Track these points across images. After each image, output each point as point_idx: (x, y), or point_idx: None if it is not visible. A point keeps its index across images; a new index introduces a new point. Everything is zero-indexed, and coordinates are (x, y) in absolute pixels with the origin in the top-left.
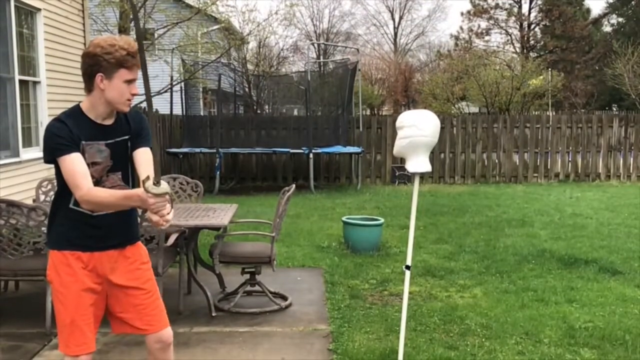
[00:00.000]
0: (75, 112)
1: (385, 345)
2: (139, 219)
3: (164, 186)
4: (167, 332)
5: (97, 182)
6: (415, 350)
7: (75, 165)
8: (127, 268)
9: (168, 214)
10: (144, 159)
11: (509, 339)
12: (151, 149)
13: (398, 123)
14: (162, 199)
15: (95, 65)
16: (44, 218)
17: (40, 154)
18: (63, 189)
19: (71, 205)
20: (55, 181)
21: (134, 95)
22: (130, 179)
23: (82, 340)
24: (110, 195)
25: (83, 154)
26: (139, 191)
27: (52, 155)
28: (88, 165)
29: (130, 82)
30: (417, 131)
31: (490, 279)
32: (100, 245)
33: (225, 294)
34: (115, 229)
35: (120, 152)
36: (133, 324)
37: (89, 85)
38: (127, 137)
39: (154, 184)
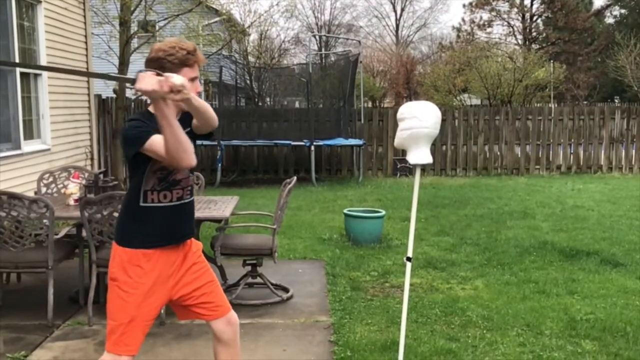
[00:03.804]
0: (145, 113)
1: (386, 336)
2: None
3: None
4: (234, 314)
5: (169, 174)
6: (417, 341)
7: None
8: (189, 262)
9: (167, 80)
10: None
11: (510, 330)
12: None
13: (399, 115)
14: (150, 79)
15: (160, 68)
16: (45, 210)
17: (42, 146)
18: (134, 186)
19: (141, 204)
20: (56, 174)
21: (197, 92)
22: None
23: (133, 341)
24: (169, 129)
25: None
26: (159, 102)
27: (137, 143)
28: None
29: (193, 79)
30: (418, 122)
31: (492, 271)
32: (168, 240)
33: (227, 286)
34: (180, 221)
35: None
36: (201, 312)
37: None
38: (189, 129)
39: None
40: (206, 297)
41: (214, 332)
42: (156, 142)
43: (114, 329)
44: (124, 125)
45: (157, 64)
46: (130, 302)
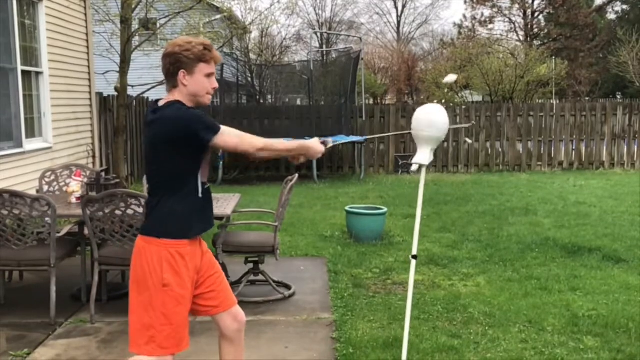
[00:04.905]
0: (184, 104)
1: (388, 333)
2: None
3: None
4: (241, 311)
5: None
6: (419, 338)
7: (235, 130)
8: (203, 251)
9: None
10: None
11: (512, 327)
12: None
13: (414, 118)
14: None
15: (176, 63)
16: (47, 208)
17: (43, 145)
18: (188, 178)
19: (199, 195)
20: (58, 172)
21: (214, 88)
22: None
23: (187, 334)
24: (283, 147)
25: None
26: (310, 143)
27: (214, 130)
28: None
29: (209, 75)
30: (433, 129)
31: (494, 267)
32: (204, 227)
33: (229, 283)
34: (211, 207)
35: None
36: (208, 305)
37: (173, 82)
38: None
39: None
40: (215, 285)
41: (220, 328)
42: (226, 133)
43: (173, 332)
44: (179, 111)
45: (174, 58)
46: (184, 304)
